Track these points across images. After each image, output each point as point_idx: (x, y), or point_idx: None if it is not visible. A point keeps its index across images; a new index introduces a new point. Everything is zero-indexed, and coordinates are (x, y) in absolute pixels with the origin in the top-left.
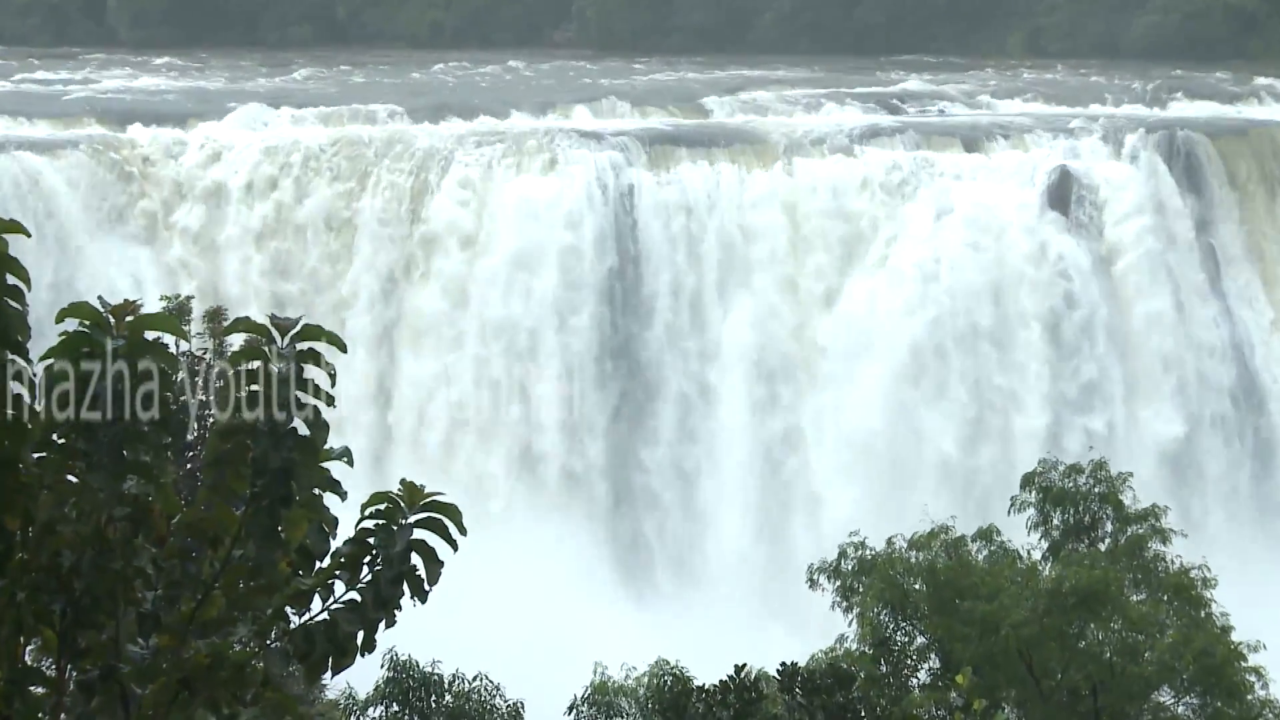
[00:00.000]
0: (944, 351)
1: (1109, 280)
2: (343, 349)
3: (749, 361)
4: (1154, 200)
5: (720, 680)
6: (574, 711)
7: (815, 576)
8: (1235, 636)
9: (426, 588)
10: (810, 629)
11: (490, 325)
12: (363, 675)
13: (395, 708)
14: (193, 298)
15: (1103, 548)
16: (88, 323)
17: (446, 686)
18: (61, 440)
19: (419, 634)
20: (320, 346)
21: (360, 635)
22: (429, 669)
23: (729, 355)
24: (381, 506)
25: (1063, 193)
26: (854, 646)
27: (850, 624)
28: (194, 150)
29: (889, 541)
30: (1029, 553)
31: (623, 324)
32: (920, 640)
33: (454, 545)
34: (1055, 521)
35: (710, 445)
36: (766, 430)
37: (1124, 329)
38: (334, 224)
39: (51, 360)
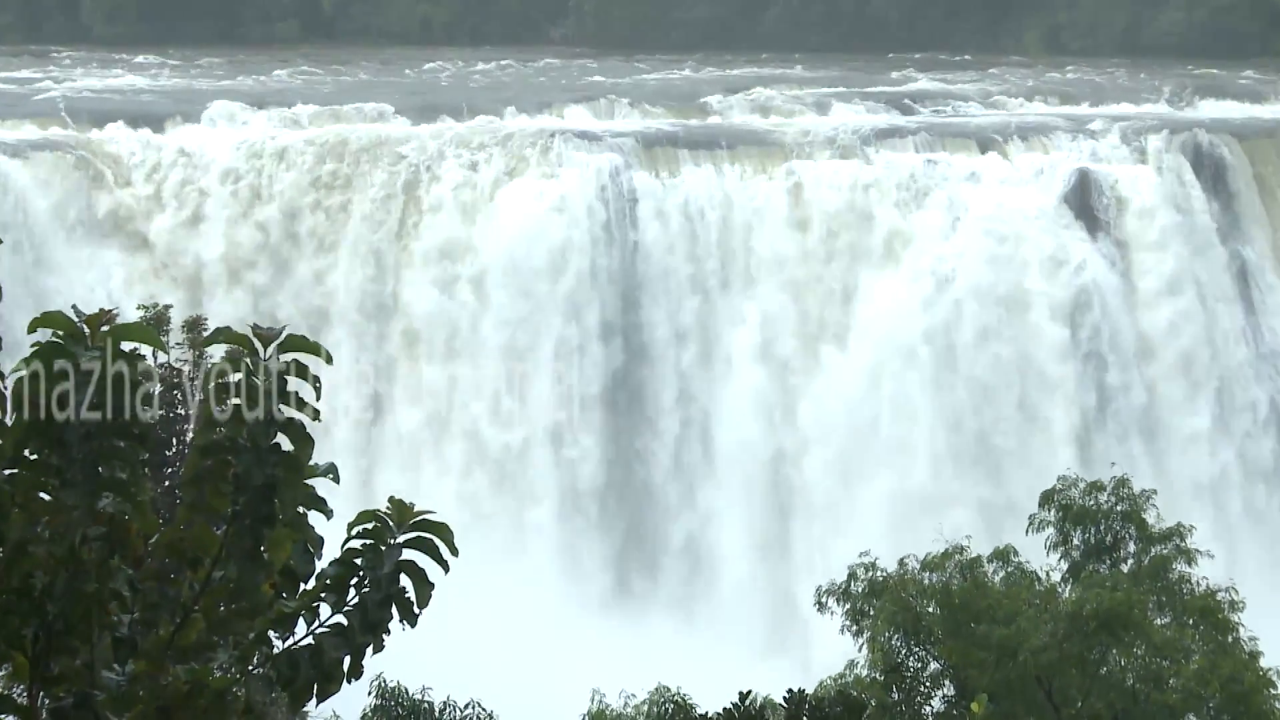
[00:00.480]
0: (961, 465)
1: (1146, 367)
2: (328, 360)
3: (753, 462)
4: (1191, 275)
5: (724, 708)
6: None
7: (823, 599)
8: (1264, 662)
9: (416, 611)
10: None
11: (477, 449)
12: (349, 703)
13: None
14: (171, 306)
15: (1125, 569)
16: (61, 333)
17: (437, 715)
18: (34, 456)
19: (408, 659)
20: (305, 358)
21: (346, 661)
22: (418, 696)
23: (730, 472)
24: (369, 526)
25: (1084, 201)
26: (864, 672)
27: (860, 649)
28: (170, 209)
29: (901, 563)
30: (1048, 574)
31: (625, 433)
32: (934, 666)
33: (445, 566)
34: (1075, 541)
35: (710, 583)
36: (770, 568)
37: (1160, 442)
38: (310, 316)
39: (22, 373)
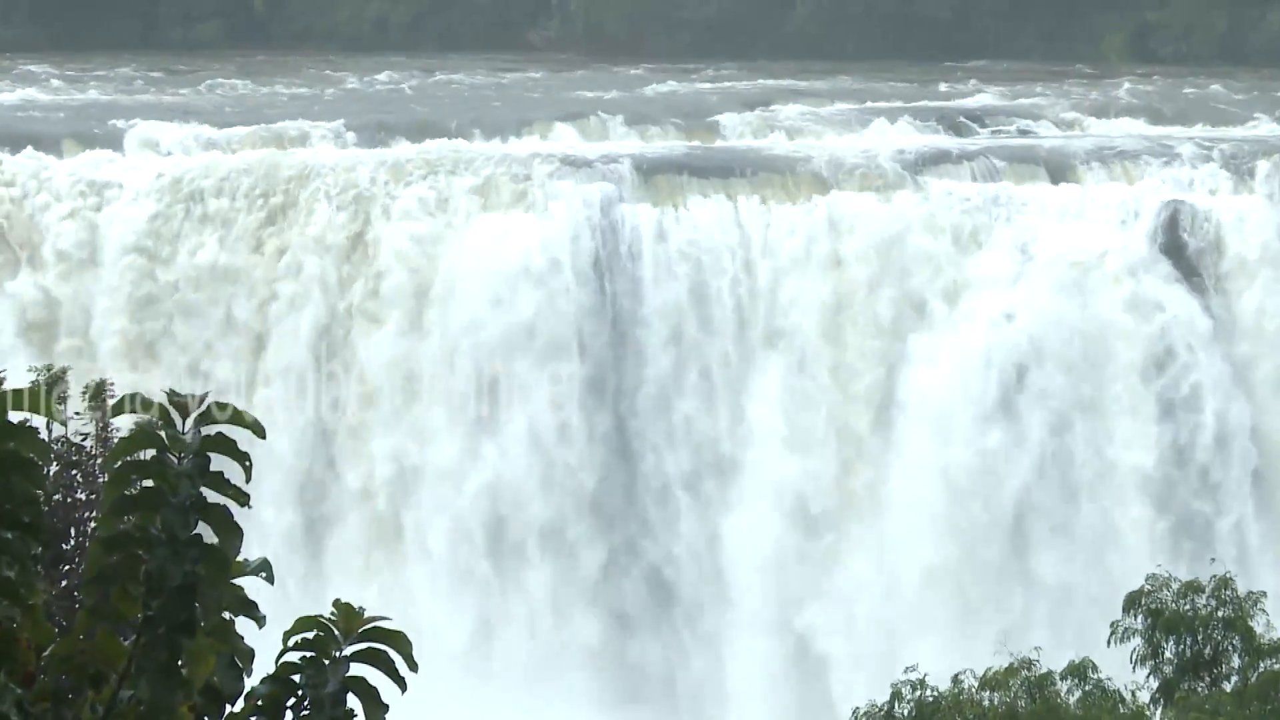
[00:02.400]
0: (1027, 563)
1: (1255, 443)
2: (260, 434)
3: (777, 558)
4: None
5: None
6: None
7: None
8: None
9: None
10: None
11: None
12: None
13: None
14: (69, 369)
15: (1228, 687)
16: None
17: None
18: None
19: None
20: (232, 431)
21: None
22: None
23: (748, 578)
24: (310, 635)
25: (1177, 240)
26: None
27: None
28: (67, 250)
29: (955, 680)
30: (1134, 694)
31: (619, 530)
32: None
33: (401, 684)
34: (1168, 654)
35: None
36: None
37: (1272, 541)
38: (237, 386)
39: None
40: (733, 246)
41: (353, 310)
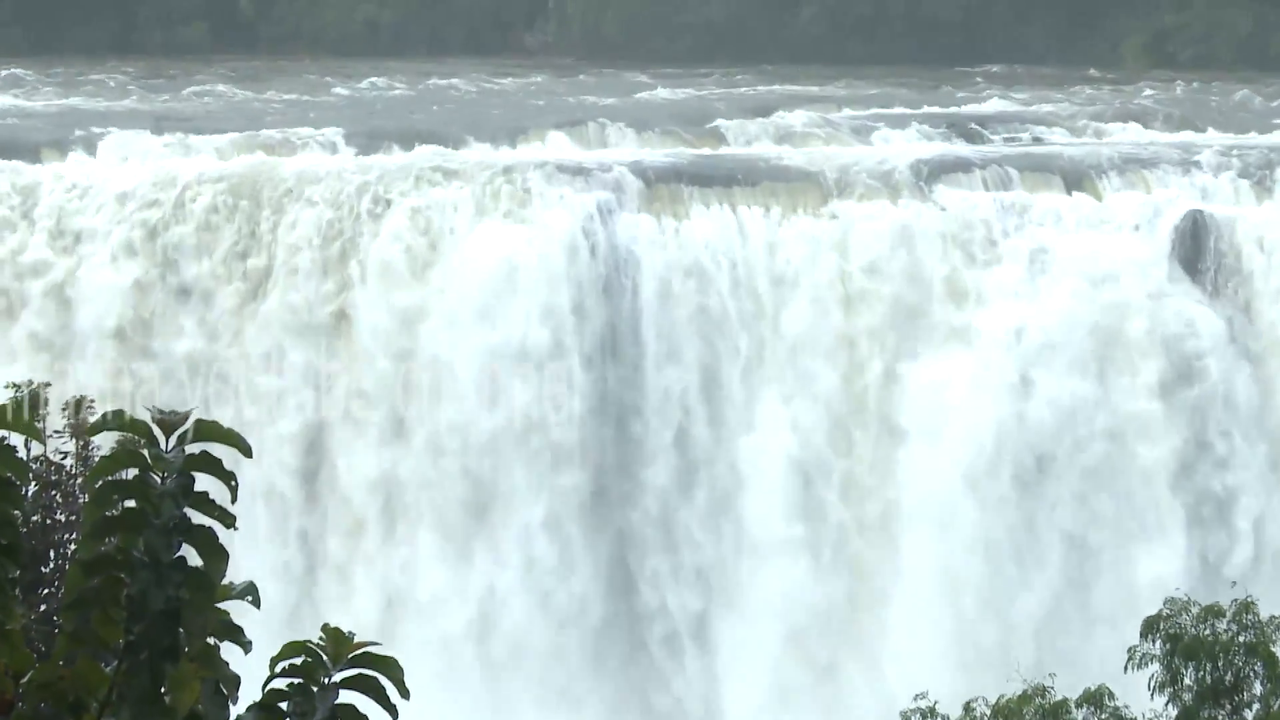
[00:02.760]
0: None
1: None
2: (247, 453)
3: (785, 615)
4: None
5: None
6: None
7: None
8: None
9: None
10: None
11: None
12: None
13: None
14: (49, 385)
15: (1250, 715)
16: None
17: None
18: None
19: None
20: (217, 449)
21: None
22: None
23: (753, 631)
24: (298, 661)
25: (1197, 252)
26: None
27: None
28: (43, 262)
29: (967, 708)
30: None
31: (617, 584)
32: None
33: (393, 712)
34: (1187, 680)
35: None
36: None
37: None
38: (217, 404)
39: None
40: (735, 259)
41: (333, 419)
